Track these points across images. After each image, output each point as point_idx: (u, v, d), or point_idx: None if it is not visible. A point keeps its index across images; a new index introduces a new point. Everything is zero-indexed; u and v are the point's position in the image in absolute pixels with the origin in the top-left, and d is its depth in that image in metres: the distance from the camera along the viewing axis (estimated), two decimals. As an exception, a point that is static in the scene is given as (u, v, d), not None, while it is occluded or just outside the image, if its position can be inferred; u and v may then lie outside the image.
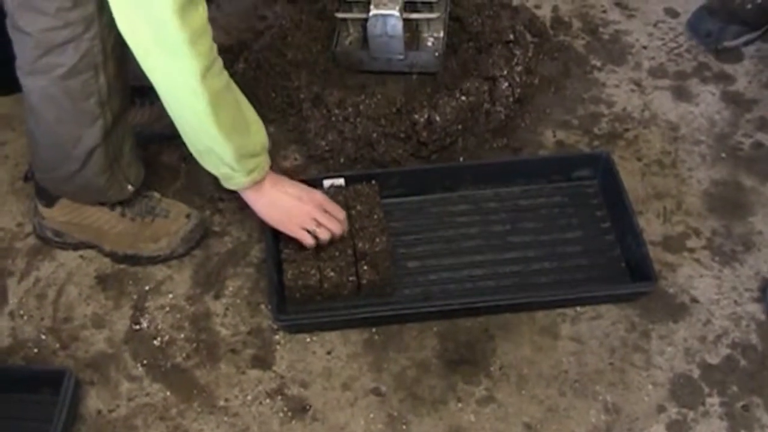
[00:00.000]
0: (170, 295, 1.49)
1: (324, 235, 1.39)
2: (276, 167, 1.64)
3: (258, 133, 1.32)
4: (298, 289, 1.42)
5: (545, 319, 1.45)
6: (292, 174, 1.64)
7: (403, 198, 1.58)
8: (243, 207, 1.46)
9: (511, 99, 1.68)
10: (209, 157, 1.29)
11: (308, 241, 1.39)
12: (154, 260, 1.52)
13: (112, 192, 1.45)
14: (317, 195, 1.41)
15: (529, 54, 1.75)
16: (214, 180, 1.35)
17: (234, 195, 1.41)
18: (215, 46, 1.20)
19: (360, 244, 1.43)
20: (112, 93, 1.30)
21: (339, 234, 1.40)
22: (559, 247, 1.53)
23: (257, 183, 1.34)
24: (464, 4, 1.77)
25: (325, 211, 1.40)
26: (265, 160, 1.34)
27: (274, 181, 1.37)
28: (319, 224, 1.39)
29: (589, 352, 1.41)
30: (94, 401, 1.38)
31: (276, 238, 1.46)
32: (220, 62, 1.22)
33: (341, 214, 1.42)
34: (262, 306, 1.47)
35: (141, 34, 1.15)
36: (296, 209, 1.38)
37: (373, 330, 1.44)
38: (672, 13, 1.91)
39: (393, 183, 1.56)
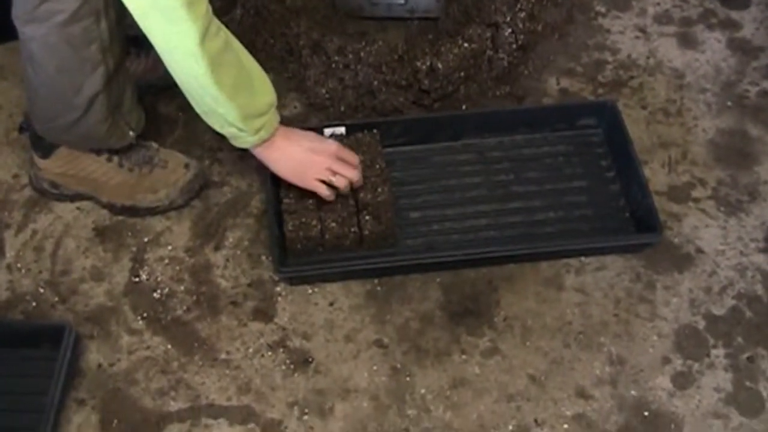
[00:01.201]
0: (169, 247, 1.45)
1: (342, 184, 1.36)
2: None
3: (264, 92, 1.28)
4: (299, 241, 1.39)
5: (549, 270, 1.41)
6: (291, 124, 1.60)
7: (405, 147, 1.54)
8: (243, 156, 1.43)
9: (514, 46, 1.64)
10: (214, 117, 1.26)
11: (325, 192, 1.35)
12: (152, 211, 1.48)
13: (114, 139, 1.41)
14: (331, 144, 1.36)
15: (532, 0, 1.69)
16: (213, 129, 1.30)
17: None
18: (210, 7, 1.16)
19: (362, 195, 1.39)
20: (113, 39, 1.26)
21: (356, 180, 1.36)
22: (564, 197, 1.49)
23: (266, 141, 1.29)
24: (466, -52, 1.71)
25: (340, 159, 1.35)
26: (272, 118, 1.29)
27: (285, 135, 1.33)
28: (334, 173, 1.34)
29: (593, 304, 1.38)
30: (94, 355, 1.34)
31: (277, 188, 1.42)
32: (216, 21, 1.18)
33: (356, 159, 1.38)
34: (263, 257, 1.44)
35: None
36: (310, 161, 1.34)
37: (376, 281, 1.41)
38: (677, -43, 1.85)
39: (395, 132, 1.52)
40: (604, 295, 1.39)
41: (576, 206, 1.48)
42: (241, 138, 1.28)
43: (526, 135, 1.55)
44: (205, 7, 1.14)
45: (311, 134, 1.37)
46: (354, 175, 1.36)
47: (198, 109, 1.25)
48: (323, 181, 1.35)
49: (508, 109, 1.60)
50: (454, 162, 1.53)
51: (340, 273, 1.40)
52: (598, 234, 1.45)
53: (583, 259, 1.42)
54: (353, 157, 1.38)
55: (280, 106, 1.60)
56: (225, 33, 1.20)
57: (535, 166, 1.53)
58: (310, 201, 1.39)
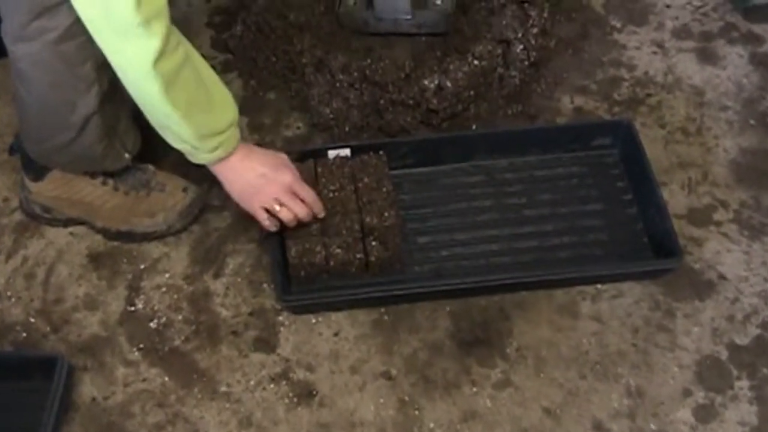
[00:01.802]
0: (167, 274, 1.46)
1: (286, 217, 1.36)
2: (278, 137, 1.62)
3: (223, 110, 1.28)
4: (302, 267, 1.40)
5: (564, 298, 1.42)
6: (293, 144, 1.61)
7: (413, 169, 1.55)
8: None
9: (525, 63, 1.65)
10: (168, 133, 1.26)
11: (265, 222, 1.36)
12: (149, 237, 1.49)
13: (109, 161, 1.42)
14: (287, 175, 1.36)
15: (545, 14, 1.70)
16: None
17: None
18: (169, 21, 1.15)
19: (368, 219, 1.40)
20: None
21: (303, 217, 1.36)
22: (578, 220, 1.50)
23: (223, 159, 1.31)
24: (475, -40, 1.73)
25: (293, 193, 1.36)
26: (231, 137, 1.30)
27: (243, 155, 1.33)
28: (281, 204, 1.35)
29: (610, 333, 1.39)
30: (88, 388, 1.35)
31: None
32: (176, 35, 1.17)
33: (310, 197, 1.37)
34: (265, 285, 1.45)
35: (92, 11, 1.12)
36: (260, 186, 1.34)
37: (383, 310, 1.42)
38: (696, -31, 1.87)
39: (402, 153, 1.53)
40: (622, 324, 1.39)
41: (591, 230, 1.49)
42: (197, 156, 1.29)
43: (539, 156, 1.56)
44: (165, 24, 1.13)
45: (272, 158, 1.36)
46: (300, 211, 1.36)
47: (152, 123, 1.26)
48: (268, 211, 1.36)
49: (520, 129, 1.61)
50: (463, 184, 1.54)
51: (346, 301, 1.41)
52: (615, 260, 1.45)
53: (599, 286, 1.43)
54: (308, 194, 1.37)
55: (283, 126, 1.64)
56: (185, 47, 1.20)
57: (548, 188, 1.53)
58: (314, 226, 1.40)
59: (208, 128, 1.25)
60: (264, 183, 1.34)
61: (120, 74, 1.19)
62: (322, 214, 1.39)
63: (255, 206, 1.36)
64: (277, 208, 1.35)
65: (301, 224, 1.39)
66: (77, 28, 1.20)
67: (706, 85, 1.69)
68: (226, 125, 1.28)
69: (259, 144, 1.58)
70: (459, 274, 1.44)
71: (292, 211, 1.36)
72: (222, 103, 1.28)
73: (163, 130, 1.26)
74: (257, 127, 1.64)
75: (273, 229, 1.37)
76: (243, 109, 1.67)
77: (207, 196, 1.54)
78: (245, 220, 1.51)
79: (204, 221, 1.52)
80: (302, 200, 1.36)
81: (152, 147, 1.54)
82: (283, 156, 1.39)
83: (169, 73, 1.16)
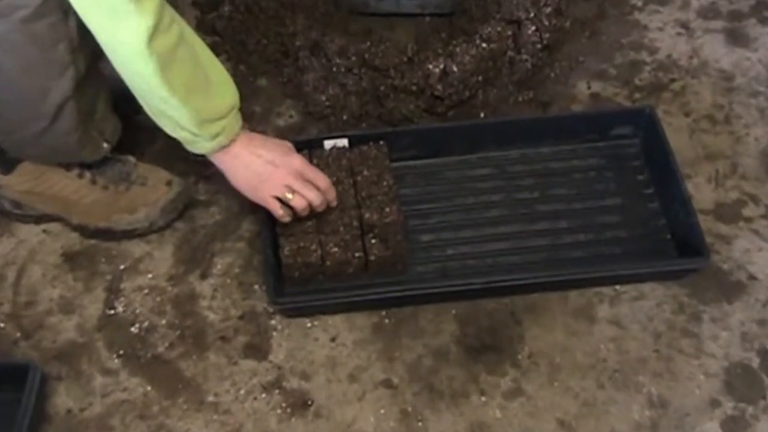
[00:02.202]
0: (149, 275, 1.47)
1: (300, 204, 1.37)
2: (270, 127, 1.63)
3: (223, 92, 1.29)
4: (297, 267, 1.41)
5: (580, 300, 1.43)
6: (286, 134, 1.62)
7: (416, 161, 1.56)
8: None
9: (538, 46, 1.66)
10: (165, 120, 1.26)
11: (279, 211, 1.37)
12: (130, 234, 1.50)
13: (86, 151, 1.42)
14: (295, 159, 1.37)
15: (559, -8, 1.72)
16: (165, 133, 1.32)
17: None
18: (165, 4, 1.16)
19: (367, 215, 1.41)
20: (83, 38, 1.25)
21: (318, 204, 1.37)
22: (595, 216, 1.51)
23: (225, 147, 1.31)
24: (483, -66, 1.74)
25: (305, 179, 1.37)
26: (233, 122, 1.30)
27: (246, 142, 1.33)
28: (293, 191, 1.36)
29: (630, 338, 1.39)
30: (63, 399, 1.36)
31: None
32: (169, 12, 1.18)
33: (323, 182, 1.39)
34: (256, 287, 1.46)
35: None
36: (268, 174, 1.35)
37: (383, 313, 1.42)
38: (724, -58, 1.87)
39: (404, 144, 1.54)
40: (643, 329, 1.40)
41: (609, 227, 1.50)
42: (197, 144, 1.30)
43: (553, 147, 1.58)
44: (157, 0, 1.14)
45: (277, 145, 1.38)
46: (314, 197, 1.37)
47: (147, 110, 1.26)
48: (280, 200, 1.37)
49: (532, 118, 1.62)
50: (470, 178, 1.55)
51: (343, 304, 1.42)
52: (635, 259, 1.46)
53: (618, 287, 1.44)
54: (321, 179, 1.38)
55: (275, 115, 1.64)
56: (179, 25, 1.20)
57: (563, 181, 1.55)
58: (309, 223, 1.41)
59: (208, 112, 1.26)
60: (272, 170, 1.35)
61: (112, 56, 1.19)
62: (335, 203, 1.41)
63: (265, 196, 1.36)
64: (290, 196, 1.36)
65: (295, 220, 1.40)
66: (49, 6, 1.20)
67: (735, 68, 1.69)
68: (227, 109, 1.28)
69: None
70: (465, 274, 1.45)
71: (305, 197, 1.37)
72: (221, 84, 1.29)
73: (159, 118, 1.27)
74: (247, 116, 1.62)
75: (287, 219, 1.38)
76: (231, 96, 1.68)
77: (193, 190, 1.55)
78: (234, 216, 1.53)
79: (189, 217, 1.53)
80: (315, 186, 1.38)
81: (133, 136, 1.56)
82: (287, 142, 1.40)
83: (164, 53, 1.16)
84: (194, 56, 1.24)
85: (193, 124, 1.25)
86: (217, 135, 1.28)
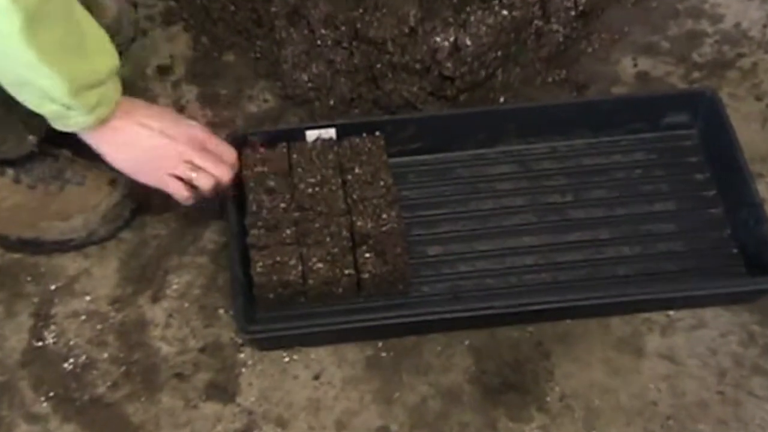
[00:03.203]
0: (88, 297, 1.48)
1: (206, 183, 1.37)
2: (239, 113, 1.65)
3: (102, 51, 1.27)
4: (272, 287, 1.41)
5: (624, 329, 1.44)
6: (259, 122, 1.63)
7: (421, 156, 1.58)
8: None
9: (572, 13, 1.67)
10: (29, 91, 1.25)
11: (183, 193, 1.38)
12: (63, 246, 1.51)
13: (7, 145, 1.43)
14: (193, 127, 1.38)
15: (598, -52, 1.74)
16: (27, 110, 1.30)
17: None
18: None
19: (360, 223, 1.43)
20: None
21: (227, 180, 1.39)
22: (643, 225, 1.52)
23: (104, 121, 1.31)
24: None
25: (206, 150, 1.38)
26: (112, 89, 1.30)
27: (127, 112, 1.33)
28: (197, 168, 1.37)
29: (687, 376, 1.40)
30: (-21, 450, 1.37)
31: (241, 213, 1.45)
32: None
33: (230, 153, 1.40)
34: (221, 311, 1.47)
35: None
36: (162, 149, 1.35)
37: (380, 344, 1.43)
38: None
39: (406, 135, 1.55)
40: (703, 365, 1.41)
41: (661, 238, 1.51)
42: (71, 119, 1.29)
43: (590, 139, 1.59)
44: None
45: (165, 112, 1.38)
46: (224, 173, 1.38)
47: (3, 80, 1.25)
48: (180, 179, 1.37)
49: (564, 103, 1.64)
50: (488, 177, 1.57)
51: (330, 333, 1.42)
52: (693, 278, 1.47)
53: (671, 313, 1.45)
54: (226, 149, 1.39)
55: (245, 98, 1.65)
56: None
57: (603, 182, 1.56)
58: (288, 231, 1.42)
59: (85, 78, 1.25)
60: (166, 143, 1.35)
61: None
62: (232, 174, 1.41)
63: (161, 176, 1.37)
64: (193, 174, 1.37)
65: (271, 228, 1.41)
66: None
67: (818, 42, 1.71)
68: (107, 72, 1.28)
69: (215, 124, 1.62)
70: (482, 296, 1.46)
71: (212, 174, 1.37)
72: (99, 41, 1.28)
73: (21, 89, 1.25)
74: (210, 99, 1.67)
75: (190, 201, 1.39)
76: (191, 75, 1.70)
77: (143, 191, 1.54)
78: (195, 224, 1.54)
79: (139, 226, 1.54)
80: (221, 156, 1.39)
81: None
82: (169, 107, 1.40)
83: (32, 5, 1.15)
84: (68, 9, 1.23)
85: (67, 94, 1.23)
86: (95, 106, 1.28)
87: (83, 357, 1.43)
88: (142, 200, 1.55)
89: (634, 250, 1.50)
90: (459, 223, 1.53)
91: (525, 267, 1.49)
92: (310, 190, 1.46)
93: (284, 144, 1.49)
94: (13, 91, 1.25)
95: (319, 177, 1.46)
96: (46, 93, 1.23)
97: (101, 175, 1.51)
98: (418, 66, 1.60)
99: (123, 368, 1.42)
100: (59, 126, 1.30)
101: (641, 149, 1.59)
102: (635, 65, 1.70)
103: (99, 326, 1.46)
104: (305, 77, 1.63)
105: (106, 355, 1.44)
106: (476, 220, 1.53)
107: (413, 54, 1.59)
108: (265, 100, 1.67)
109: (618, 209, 1.54)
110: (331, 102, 1.63)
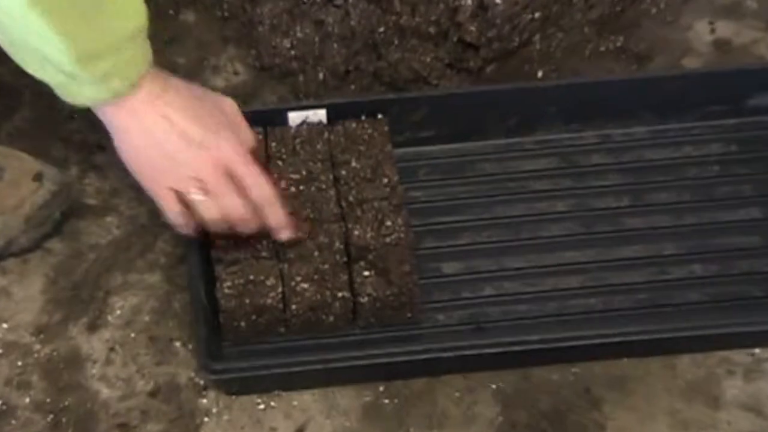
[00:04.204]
0: (5, 325, 1.48)
1: (208, 213, 1.35)
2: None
3: (124, 8, 1.27)
4: (244, 314, 1.41)
5: (695, 371, 1.44)
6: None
7: (435, 146, 1.59)
8: None
9: (631, -37, 1.69)
10: (26, 54, 1.25)
11: (172, 207, 1.35)
12: (-26, 258, 1.51)
13: None
14: (230, 142, 1.35)
15: None
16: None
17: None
18: None
19: (357, 232, 1.43)
20: None
21: (239, 221, 1.36)
22: (721, 237, 1.53)
23: (121, 98, 1.30)
24: None
25: (232, 176, 1.37)
26: (134, 57, 1.27)
27: (155, 93, 1.31)
28: (207, 191, 1.37)
29: (776, 432, 1.41)
30: None
31: None
32: None
33: (260, 190, 1.36)
34: (178, 344, 1.47)
35: None
36: (177, 156, 1.33)
37: (381, 388, 1.43)
38: None
39: (416, 118, 1.56)
40: (797, 417, 1.42)
41: (742, 255, 1.51)
42: (76, 90, 1.27)
43: (653, 125, 1.60)
44: None
45: (213, 107, 1.36)
46: (235, 208, 1.34)
47: (1, 42, 1.25)
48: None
49: (621, 79, 1.64)
50: (521, 174, 1.58)
51: (318, 373, 1.41)
52: (785, 306, 1.48)
53: (757, 351, 1.45)
54: (258, 184, 1.35)
55: (211, 69, 1.65)
56: None
57: (669, 182, 1.57)
58: (264, 242, 1.42)
59: (94, 40, 1.23)
60: (185, 150, 1.32)
61: None
62: (284, 235, 1.40)
63: (160, 187, 1.35)
64: (197, 198, 1.35)
65: (237, 236, 1.41)
66: None
67: None
68: (127, 35, 1.25)
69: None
70: (512, 327, 1.46)
71: (221, 206, 1.36)
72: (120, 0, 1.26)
73: (18, 50, 1.25)
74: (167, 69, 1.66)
75: (185, 229, 1.38)
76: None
77: (77, 188, 1.56)
78: (144, 231, 1.54)
79: (72, 232, 1.55)
80: (246, 191, 1.38)
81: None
82: (231, 103, 1.39)
83: None
84: None
85: (71, 60, 1.23)
86: (106, 76, 1.26)
87: (-1, 401, 1.44)
88: (75, 200, 1.55)
89: (709, 270, 1.51)
90: (483, 233, 1.53)
91: (568, 290, 1.50)
92: (292, 189, 1.46)
93: (259, 129, 1.49)
94: (9, 50, 1.25)
95: (304, 172, 1.47)
96: (44, 56, 1.23)
97: (23, 169, 1.52)
98: (432, 30, 1.61)
99: (50, 417, 1.42)
100: (66, 98, 1.29)
101: (719, 140, 1.60)
102: (712, 31, 1.71)
103: (20, 363, 1.46)
104: (287, 43, 1.64)
105: (28, 400, 1.44)
106: (505, 230, 1.54)
107: (427, 14, 1.61)
108: (235, 73, 1.68)
109: (688, 217, 1.54)
110: (321, 75, 1.64)
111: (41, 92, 1.57)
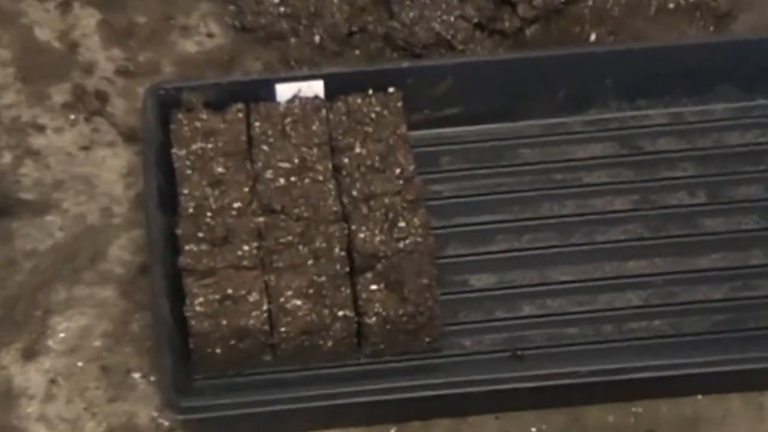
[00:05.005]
0: None
1: None
2: (167, 53, 1.67)
3: None
4: (219, 338, 1.40)
5: (786, 410, 1.44)
6: (201, 71, 1.63)
7: (462, 127, 1.58)
8: (90, 146, 1.47)
9: None
10: None
11: None
12: None
13: None
14: None
15: None
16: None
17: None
18: None
19: (362, 235, 1.42)
20: None
21: None
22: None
23: None
24: None
25: None
26: None
27: None
28: None
29: None
30: None
31: (170, 214, 1.44)
32: None
33: None
34: (137, 375, 1.46)
35: None
36: None
37: (393, 430, 1.43)
38: None
39: (438, 93, 1.56)
40: None
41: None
42: None
43: (736, 103, 1.60)
44: None
45: None
46: None
47: None
48: None
49: (695, 44, 1.64)
50: (570, 162, 1.57)
51: (314, 411, 1.41)
52: None
53: None
54: None
55: (176, 27, 1.66)
56: None
57: (756, 173, 1.57)
58: (246, 247, 1.41)
59: None
60: None
61: None
62: None
63: None
64: None
65: (216, 241, 1.41)
66: None
67: None
68: None
69: (128, 72, 1.63)
70: (558, 355, 1.46)
71: None
72: None
73: None
74: (120, 33, 1.68)
75: None
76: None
77: (9, 180, 1.57)
78: (94, 234, 1.53)
79: (3, 237, 1.54)
80: None
81: None
82: None
83: None
84: None
85: None
86: None
87: None
88: (7, 195, 1.56)
89: (807, 285, 1.50)
90: (522, 238, 1.53)
91: (628, 309, 1.49)
92: (282, 181, 1.45)
93: (240, 105, 1.49)
94: None
95: (296, 160, 1.46)
96: None
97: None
98: (457, -18, 1.61)
99: (-22, 468, 1.42)
100: None
101: (819, 122, 1.60)
102: (809, -15, 1.70)
103: (-63, 398, 1.46)
104: (275, -1, 1.63)
105: (-51, 446, 1.44)
106: (551, 233, 1.54)
107: (450, -37, 1.60)
108: (210, 35, 1.68)
109: (775, 218, 1.54)
110: (317, 38, 1.64)
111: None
